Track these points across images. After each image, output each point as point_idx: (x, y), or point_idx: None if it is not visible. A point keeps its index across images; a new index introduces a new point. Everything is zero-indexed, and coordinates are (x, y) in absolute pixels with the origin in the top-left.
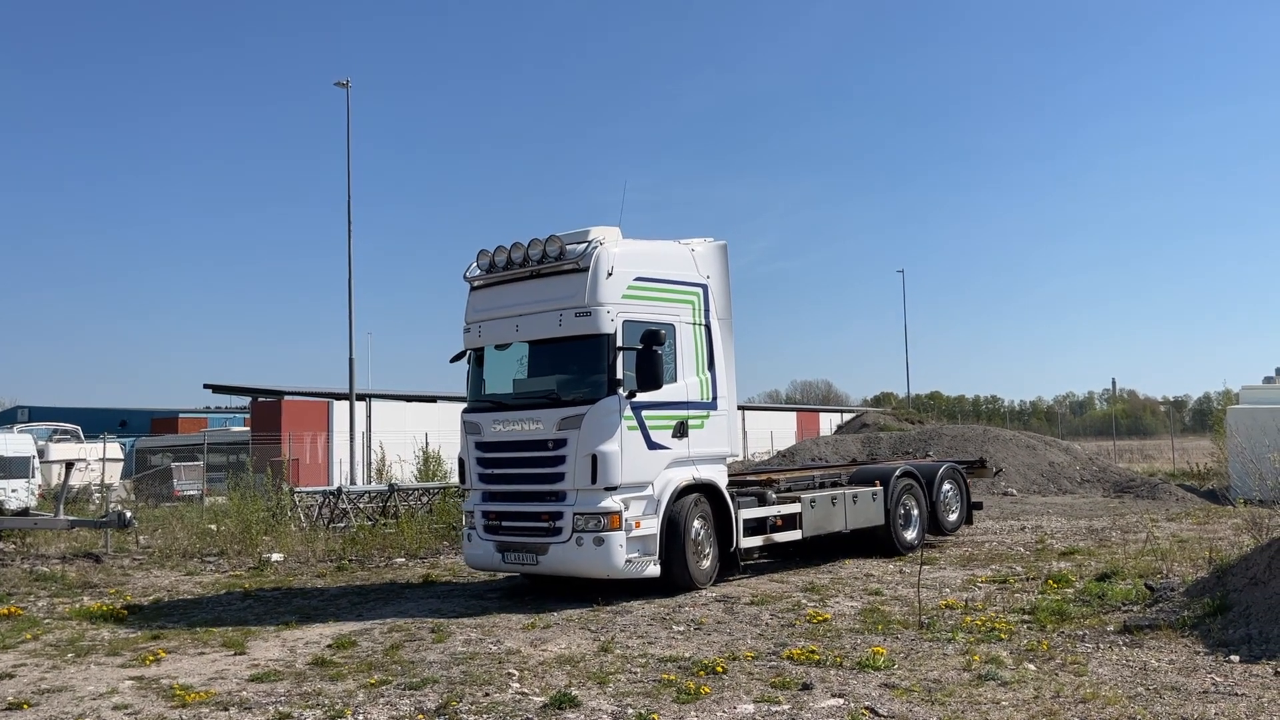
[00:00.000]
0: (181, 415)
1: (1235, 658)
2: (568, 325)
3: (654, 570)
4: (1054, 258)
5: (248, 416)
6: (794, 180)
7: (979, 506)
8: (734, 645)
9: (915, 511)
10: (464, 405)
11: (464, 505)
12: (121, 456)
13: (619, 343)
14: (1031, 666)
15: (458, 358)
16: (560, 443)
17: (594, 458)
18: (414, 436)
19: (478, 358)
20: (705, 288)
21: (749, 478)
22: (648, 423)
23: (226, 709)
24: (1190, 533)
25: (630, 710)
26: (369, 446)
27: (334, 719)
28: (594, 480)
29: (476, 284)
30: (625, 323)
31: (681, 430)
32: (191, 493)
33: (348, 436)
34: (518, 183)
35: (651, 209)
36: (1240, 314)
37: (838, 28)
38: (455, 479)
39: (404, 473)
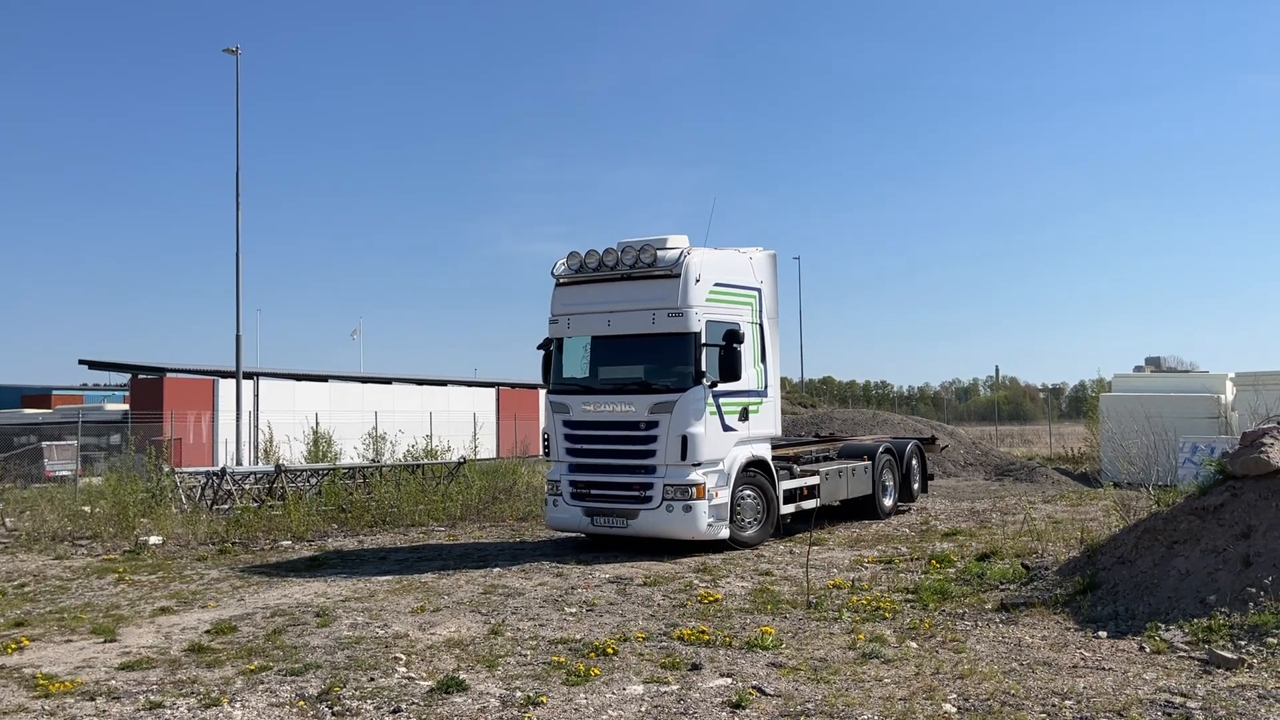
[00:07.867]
0: (55, 392)
1: (1103, 634)
2: (660, 323)
3: (725, 533)
4: (940, 247)
5: (127, 394)
6: (690, 165)
7: (932, 477)
8: (625, 626)
9: (890, 483)
10: (549, 388)
11: (549, 475)
12: None
13: (703, 339)
14: (913, 644)
15: (544, 345)
16: (652, 424)
17: (684, 438)
18: (304, 416)
19: (559, 346)
20: (760, 291)
21: (774, 454)
22: (723, 408)
23: (93, 699)
24: (1064, 514)
25: (519, 693)
26: (256, 426)
27: (209, 707)
28: (683, 457)
29: (563, 281)
30: (708, 322)
31: (744, 415)
32: (64, 473)
33: (234, 416)
34: (410, 161)
35: (547, 190)
36: (1115, 305)
37: (738, 12)
38: (346, 460)
39: (293, 453)
